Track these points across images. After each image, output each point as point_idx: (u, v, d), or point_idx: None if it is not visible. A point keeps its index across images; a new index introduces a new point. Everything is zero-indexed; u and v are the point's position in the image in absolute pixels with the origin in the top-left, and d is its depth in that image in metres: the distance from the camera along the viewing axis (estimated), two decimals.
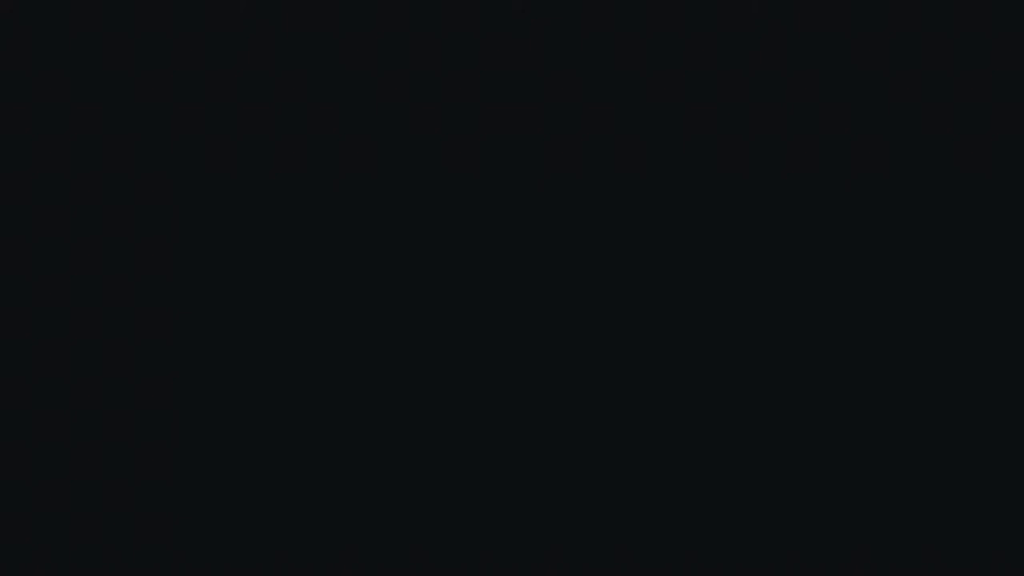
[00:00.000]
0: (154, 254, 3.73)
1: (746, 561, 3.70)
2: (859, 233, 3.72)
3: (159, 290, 3.72)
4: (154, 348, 3.71)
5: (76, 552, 3.69)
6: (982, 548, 3.69)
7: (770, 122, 3.72)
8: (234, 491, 3.72)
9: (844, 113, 3.71)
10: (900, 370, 3.70)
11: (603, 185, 3.73)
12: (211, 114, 3.74)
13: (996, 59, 3.71)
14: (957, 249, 3.71)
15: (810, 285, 3.72)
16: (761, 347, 3.71)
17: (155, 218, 3.73)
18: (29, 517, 3.69)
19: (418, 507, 3.72)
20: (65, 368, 3.70)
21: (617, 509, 3.72)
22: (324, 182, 3.74)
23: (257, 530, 3.71)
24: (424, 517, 3.72)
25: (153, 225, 3.73)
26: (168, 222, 3.73)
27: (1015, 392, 3.68)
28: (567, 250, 3.73)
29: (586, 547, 3.71)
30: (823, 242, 3.72)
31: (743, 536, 3.71)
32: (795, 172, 3.72)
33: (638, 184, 3.73)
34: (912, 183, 3.72)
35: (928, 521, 3.70)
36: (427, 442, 3.73)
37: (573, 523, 3.72)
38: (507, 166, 3.74)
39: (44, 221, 3.73)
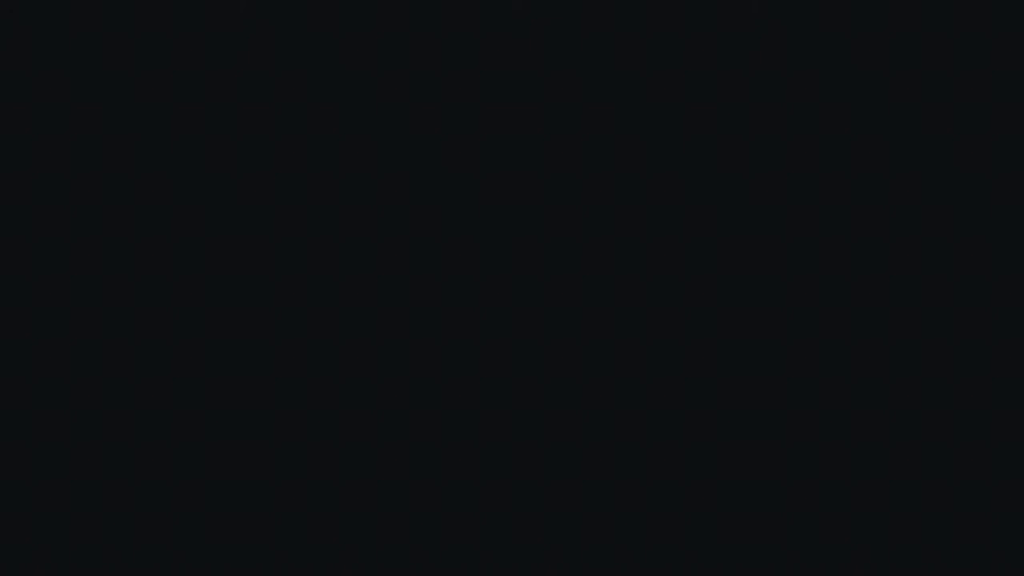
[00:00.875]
0: (154, 254, 3.73)
1: (746, 561, 3.71)
2: (859, 233, 3.72)
3: (159, 290, 3.72)
4: (154, 348, 3.71)
5: (76, 552, 3.69)
6: (982, 548, 3.69)
7: (770, 122, 3.72)
8: (234, 491, 3.72)
9: (844, 113, 3.71)
10: (900, 370, 3.70)
11: (603, 185, 3.73)
12: (211, 114, 3.74)
13: (996, 59, 3.71)
14: (957, 249, 3.71)
15: (810, 285, 3.72)
16: (761, 347, 3.71)
17: (155, 218, 3.73)
18: (29, 517, 3.69)
19: (418, 507, 3.72)
20: (65, 368, 3.70)
21: (616, 510, 3.72)
22: (324, 182, 3.74)
23: (257, 530, 3.72)
24: (424, 517, 3.72)
25: (153, 225, 3.73)
26: (168, 222, 3.73)
27: (1015, 392, 3.68)
28: (567, 250, 3.73)
29: (586, 547, 3.71)
30: (823, 242, 3.72)
31: (743, 536, 3.71)
32: (795, 172, 3.72)
33: (638, 184, 3.73)
34: (912, 183, 3.72)
35: (928, 522, 3.70)
36: (427, 443, 3.73)
37: (573, 523, 3.72)
38: (507, 166, 3.74)
39: (44, 221, 3.73)
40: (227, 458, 3.72)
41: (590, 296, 3.73)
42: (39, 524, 3.69)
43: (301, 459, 3.72)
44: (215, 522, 3.71)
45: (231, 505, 3.72)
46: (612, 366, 3.72)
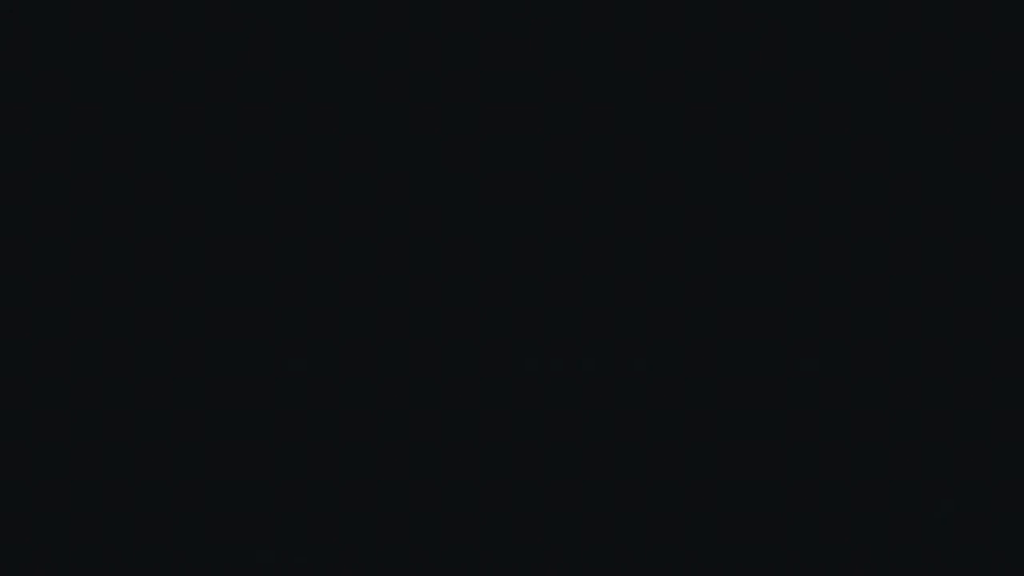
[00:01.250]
0: (154, 254, 3.73)
1: (746, 561, 3.71)
2: (859, 233, 3.72)
3: (159, 290, 3.72)
4: (154, 348, 3.71)
5: (76, 552, 3.69)
6: (982, 548, 3.69)
7: (770, 122, 3.72)
8: (234, 491, 3.72)
9: (844, 113, 3.71)
10: (900, 370, 3.70)
11: (603, 185, 3.73)
12: (211, 114, 3.74)
13: (996, 59, 3.71)
14: (957, 249, 3.71)
15: (810, 285, 3.72)
16: (761, 348, 3.71)
17: (155, 218, 3.73)
18: (29, 517, 3.69)
19: (418, 507, 3.72)
20: (65, 368, 3.70)
21: (616, 510, 3.72)
22: (324, 182, 3.74)
23: (257, 530, 3.72)
24: (424, 517, 3.72)
25: (153, 225, 3.73)
26: (168, 222, 3.73)
27: (1015, 392, 3.68)
28: (567, 250, 3.73)
29: (586, 547, 3.72)
30: (823, 242, 3.72)
31: (743, 536, 3.71)
32: (795, 172, 3.72)
33: (638, 184, 3.73)
34: (912, 183, 3.72)
35: (928, 522, 3.70)
36: (427, 443, 3.73)
37: (573, 524, 3.72)
38: (507, 166, 3.74)
39: (44, 221, 3.73)
40: (227, 458, 3.72)
41: (590, 296, 3.73)
42: (39, 524, 3.69)
43: (301, 459, 3.72)
44: (215, 522, 3.72)
45: (231, 505, 3.72)
46: (612, 366, 3.72)
